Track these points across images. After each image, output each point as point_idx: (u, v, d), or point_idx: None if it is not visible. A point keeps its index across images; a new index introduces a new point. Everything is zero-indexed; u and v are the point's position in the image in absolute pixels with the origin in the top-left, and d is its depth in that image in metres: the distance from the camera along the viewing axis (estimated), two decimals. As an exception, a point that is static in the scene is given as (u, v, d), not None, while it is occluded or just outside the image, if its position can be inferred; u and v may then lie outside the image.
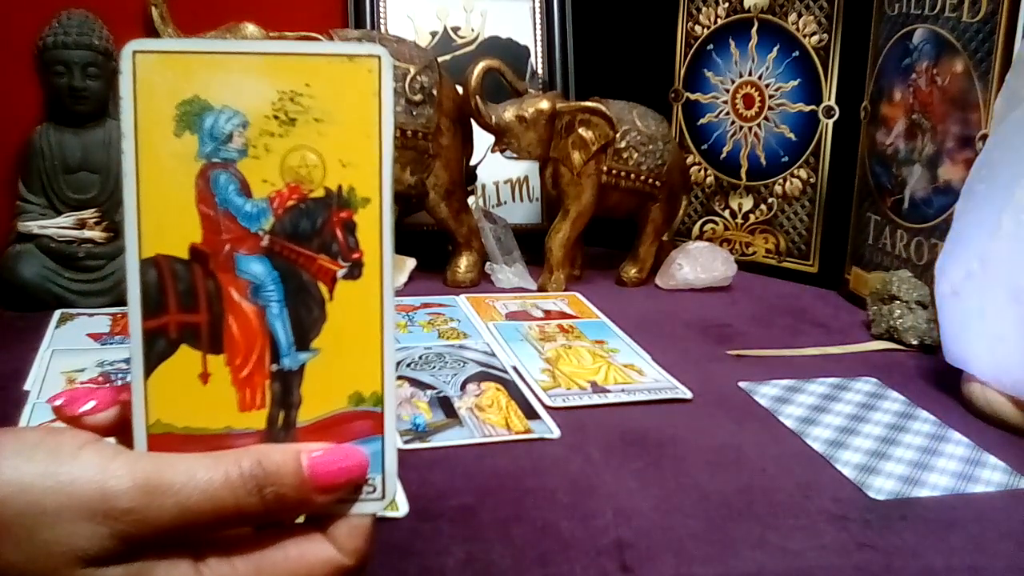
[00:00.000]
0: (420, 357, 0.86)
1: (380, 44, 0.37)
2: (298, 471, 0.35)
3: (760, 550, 0.57)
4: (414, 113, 1.05)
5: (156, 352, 0.36)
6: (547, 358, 0.87)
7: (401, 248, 1.08)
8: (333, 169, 0.37)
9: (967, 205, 0.81)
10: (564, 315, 1.01)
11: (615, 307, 1.04)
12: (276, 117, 0.36)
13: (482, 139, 1.12)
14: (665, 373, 0.85)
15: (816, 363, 0.91)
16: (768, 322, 1.03)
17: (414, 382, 0.80)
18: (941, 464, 0.70)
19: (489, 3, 1.26)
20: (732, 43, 1.21)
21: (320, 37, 0.99)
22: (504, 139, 1.08)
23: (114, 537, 0.33)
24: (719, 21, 1.21)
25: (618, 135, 1.08)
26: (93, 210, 0.99)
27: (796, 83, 1.17)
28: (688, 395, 0.81)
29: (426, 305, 1.02)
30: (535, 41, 1.28)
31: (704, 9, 1.22)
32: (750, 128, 1.21)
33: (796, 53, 1.16)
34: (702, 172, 1.26)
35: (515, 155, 1.10)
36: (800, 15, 1.15)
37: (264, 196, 0.36)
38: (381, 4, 1.22)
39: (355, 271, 0.37)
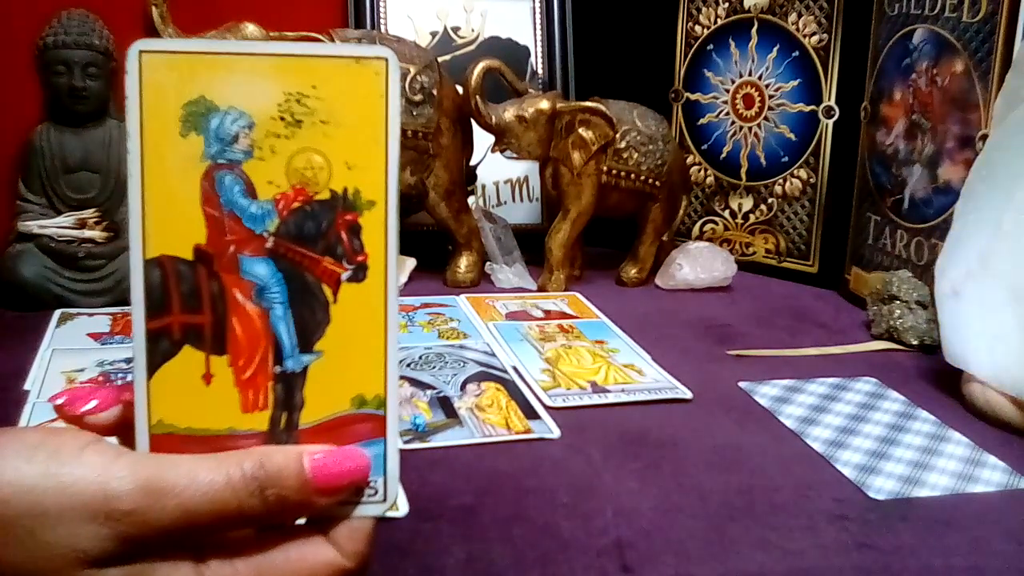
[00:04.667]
0: (420, 357, 0.86)
1: (380, 44, 0.37)
2: (300, 473, 0.35)
3: (760, 550, 0.57)
4: (414, 113, 1.05)
5: (159, 352, 0.36)
6: (547, 358, 0.87)
7: (401, 248, 1.07)
8: (339, 171, 0.37)
9: (967, 205, 0.81)
10: (564, 315, 1.01)
11: (615, 307, 1.04)
12: (282, 119, 0.36)
13: (482, 139, 1.12)
14: (665, 373, 0.85)
15: (816, 363, 0.91)
16: (768, 322, 1.03)
17: (414, 382, 0.80)
18: (941, 464, 0.70)
19: (489, 3, 1.26)
20: (732, 43, 1.21)
21: (321, 37, 0.99)
22: (504, 139, 1.08)
23: (115, 538, 0.33)
24: (719, 21, 1.21)
25: (618, 135, 1.08)
26: (93, 210, 0.99)
27: (796, 83, 1.17)
28: (688, 395, 0.81)
29: (426, 305, 1.02)
30: (535, 41, 1.28)
31: (704, 9, 1.22)
32: (750, 128, 1.21)
33: (796, 53, 1.16)
34: (702, 172, 1.26)
35: (515, 155, 1.10)
36: (800, 15, 1.15)
37: (269, 198, 0.36)
38: (381, 4, 1.22)
39: (359, 274, 0.37)
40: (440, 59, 1.11)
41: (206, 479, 0.34)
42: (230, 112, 0.36)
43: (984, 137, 0.90)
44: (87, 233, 0.98)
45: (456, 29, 1.25)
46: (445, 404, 0.76)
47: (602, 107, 1.07)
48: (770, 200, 1.21)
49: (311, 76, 0.36)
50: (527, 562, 0.55)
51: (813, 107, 1.16)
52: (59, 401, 0.39)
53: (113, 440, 0.37)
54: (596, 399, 0.79)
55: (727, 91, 1.22)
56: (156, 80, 0.35)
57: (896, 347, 0.96)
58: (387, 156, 0.37)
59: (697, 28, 1.23)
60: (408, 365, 0.84)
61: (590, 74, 1.28)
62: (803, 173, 1.18)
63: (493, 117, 1.06)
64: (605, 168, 1.09)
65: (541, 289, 1.10)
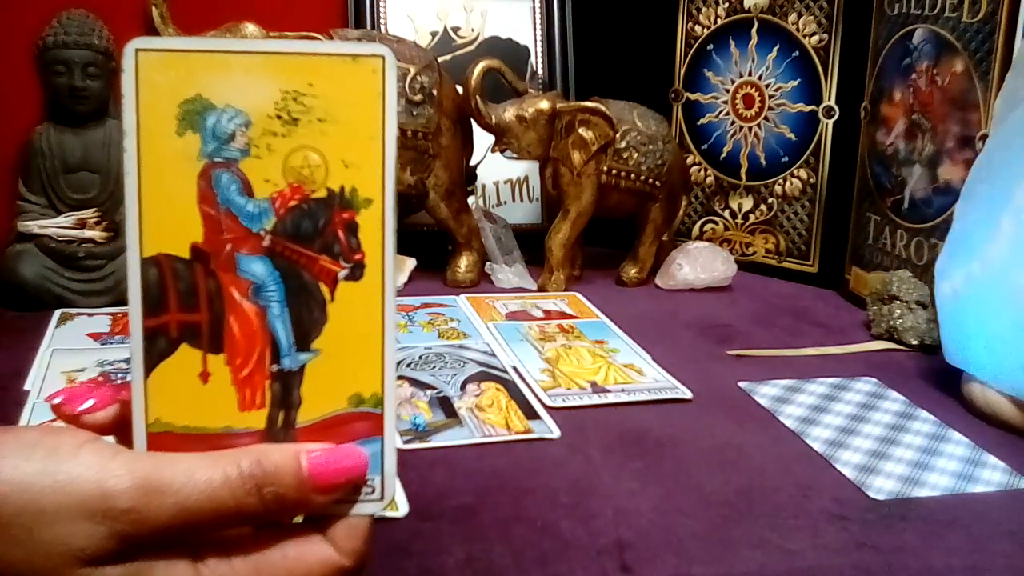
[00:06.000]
0: (420, 357, 0.86)
1: (380, 44, 0.37)
2: (297, 471, 0.35)
3: (760, 550, 0.57)
4: (414, 113, 1.05)
5: (156, 351, 0.36)
6: (547, 358, 0.87)
7: (401, 248, 1.07)
8: (336, 169, 0.37)
9: (967, 205, 0.81)
10: (564, 315, 1.01)
11: (615, 307, 1.04)
12: (279, 117, 0.36)
13: (482, 139, 1.12)
14: (665, 373, 0.85)
15: (816, 363, 0.91)
16: (768, 322, 1.03)
17: (414, 382, 0.80)
18: (941, 464, 0.70)
19: (489, 3, 1.26)
20: (732, 43, 1.21)
21: (320, 37, 0.99)
22: (504, 139, 1.08)
23: (113, 536, 0.33)
24: (719, 21, 1.21)
25: (618, 135, 1.08)
26: (93, 210, 0.99)
27: (796, 83, 1.17)
28: (688, 395, 0.80)
29: (426, 305, 1.02)
30: (535, 41, 1.28)
31: (704, 9, 1.22)
32: (750, 128, 1.21)
33: (796, 53, 1.16)
34: (702, 172, 1.26)
35: (515, 155, 1.10)
36: (800, 15, 1.15)
37: (266, 196, 0.36)
38: (381, 4, 1.22)
39: (356, 272, 0.37)
40: (440, 59, 1.11)
41: (203, 477, 0.34)
42: (227, 110, 0.36)
43: (984, 137, 0.90)
44: (87, 233, 0.98)
45: (456, 29, 1.25)
46: (445, 404, 0.76)
47: (602, 107, 1.07)
48: (770, 200, 1.21)
49: (308, 74, 0.36)
50: (527, 562, 0.55)
51: (813, 107, 1.16)
52: (56, 400, 0.39)
53: (111, 439, 0.37)
54: (596, 399, 0.79)
55: (727, 91, 1.22)
56: (152, 78, 0.35)
57: (896, 347, 0.95)
58: (384, 154, 0.37)
59: (697, 28, 1.23)
60: (408, 365, 0.84)
61: (590, 74, 1.28)
62: (803, 173, 1.18)
63: (493, 117, 1.06)
64: (605, 168, 1.09)
65: (541, 289, 1.10)
